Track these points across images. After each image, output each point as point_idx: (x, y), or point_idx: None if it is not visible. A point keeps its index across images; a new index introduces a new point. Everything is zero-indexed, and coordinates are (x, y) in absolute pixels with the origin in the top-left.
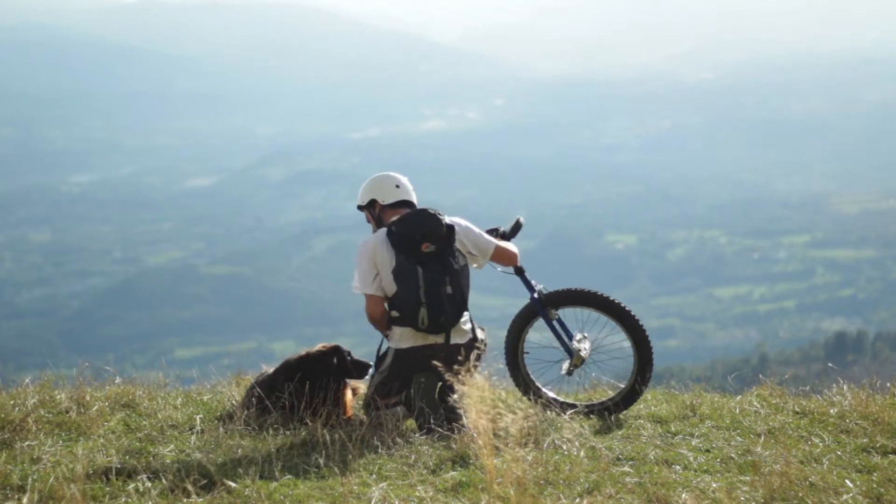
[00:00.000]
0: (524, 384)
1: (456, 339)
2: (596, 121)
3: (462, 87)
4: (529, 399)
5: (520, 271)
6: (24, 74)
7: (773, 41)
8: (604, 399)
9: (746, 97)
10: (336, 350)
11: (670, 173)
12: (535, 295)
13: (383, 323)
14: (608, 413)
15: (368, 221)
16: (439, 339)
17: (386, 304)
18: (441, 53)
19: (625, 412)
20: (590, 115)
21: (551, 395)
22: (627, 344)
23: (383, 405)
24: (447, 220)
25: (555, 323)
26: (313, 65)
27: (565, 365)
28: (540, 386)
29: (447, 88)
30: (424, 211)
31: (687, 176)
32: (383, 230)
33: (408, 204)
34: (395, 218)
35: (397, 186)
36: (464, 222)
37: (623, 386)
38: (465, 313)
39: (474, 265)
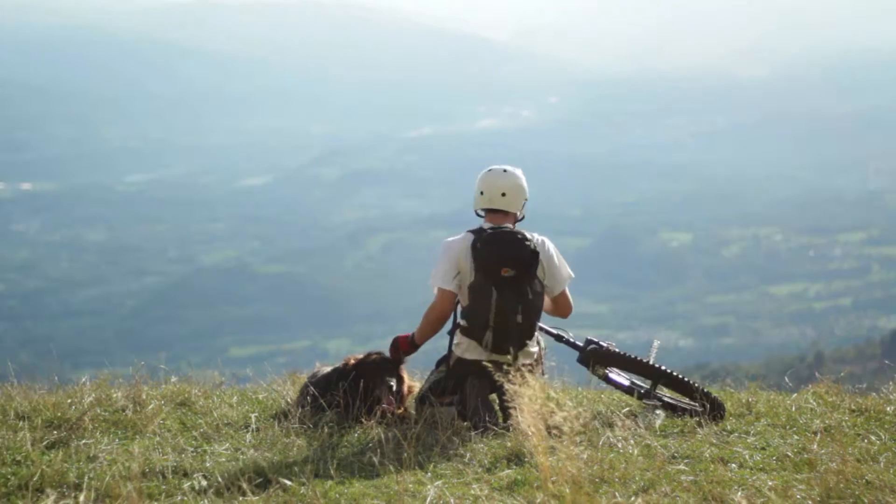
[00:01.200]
0: (629, 391)
1: (522, 361)
2: (651, 118)
3: (516, 86)
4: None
5: (559, 338)
6: (80, 74)
7: (828, 37)
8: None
9: (802, 94)
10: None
11: (725, 171)
12: (580, 354)
13: (442, 322)
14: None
15: None
16: (504, 359)
17: (457, 310)
18: (494, 51)
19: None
20: (644, 112)
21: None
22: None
23: (437, 403)
24: (536, 240)
25: (610, 376)
26: (367, 64)
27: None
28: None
29: (501, 87)
30: (513, 235)
31: (742, 173)
32: (471, 237)
33: (504, 214)
34: (487, 226)
35: (503, 195)
36: (551, 248)
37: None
38: (532, 341)
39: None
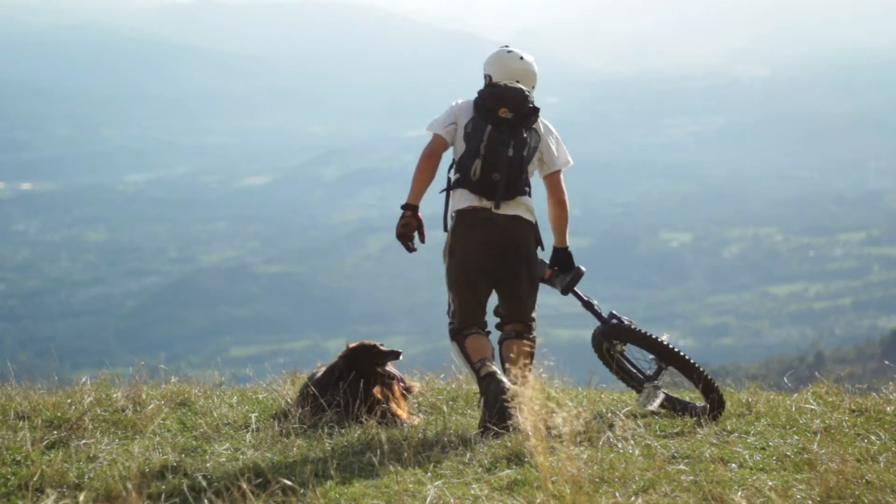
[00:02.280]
0: (632, 381)
1: (507, 210)
2: (650, 118)
3: None
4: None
5: (588, 305)
6: (80, 74)
7: (828, 37)
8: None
9: (801, 94)
10: (359, 347)
11: (725, 171)
12: (601, 325)
13: (431, 160)
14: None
15: None
16: (490, 205)
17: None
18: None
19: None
20: (644, 112)
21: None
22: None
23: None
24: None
25: (620, 356)
26: (367, 64)
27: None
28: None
29: None
30: (519, 89)
31: (742, 173)
32: (474, 97)
33: None
34: None
35: (517, 82)
36: (554, 130)
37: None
38: (524, 196)
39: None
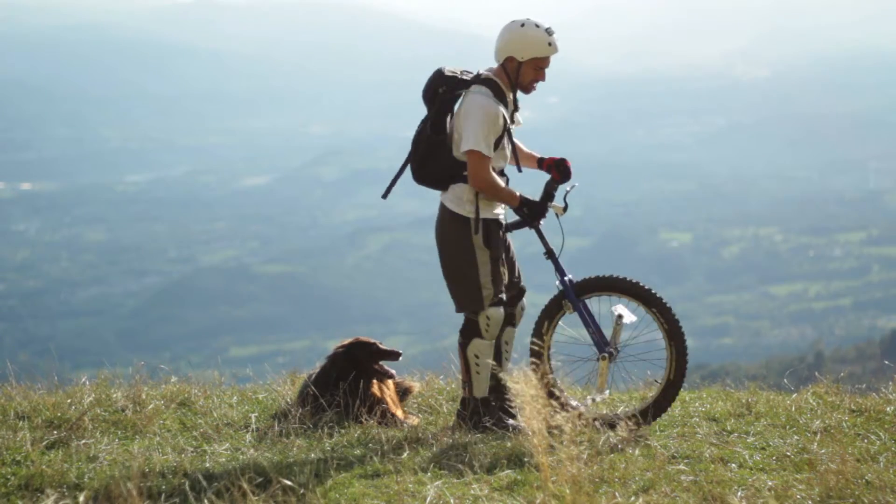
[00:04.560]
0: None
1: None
2: (650, 118)
3: None
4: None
5: (551, 254)
6: (80, 74)
7: (828, 37)
8: (632, 408)
9: (802, 94)
10: (357, 343)
11: (725, 171)
12: (566, 279)
13: (495, 183)
14: (639, 420)
15: (495, 77)
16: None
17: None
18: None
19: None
20: (644, 112)
21: (574, 403)
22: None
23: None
24: (470, 91)
25: (583, 310)
26: (367, 64)
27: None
28: (566, 396)
29: None
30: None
31: (742, 173)
32: (489, 93)
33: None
34: (534, 81)
35: (549, 45)
36: (470, 105)
37: (657, 384)
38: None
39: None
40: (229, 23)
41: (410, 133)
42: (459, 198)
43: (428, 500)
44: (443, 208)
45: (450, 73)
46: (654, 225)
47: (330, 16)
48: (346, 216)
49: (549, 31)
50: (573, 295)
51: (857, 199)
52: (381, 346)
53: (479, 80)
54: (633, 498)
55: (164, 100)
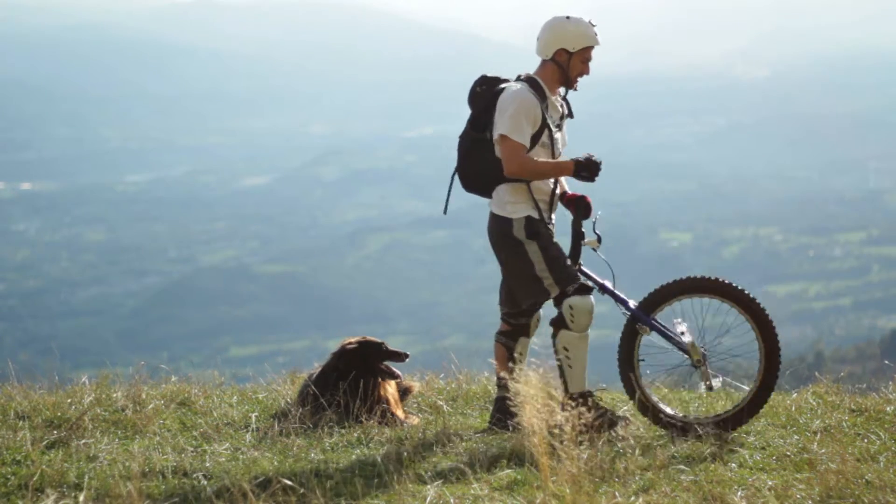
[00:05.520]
0: (647, 409)
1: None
2: (650, 118)
3: None
4: (659, 424)
5: (604, 288)
6: (80, 74)
7: (828, 37)
8: (727, 410)
9: (802, 94)
10: (367, 342)
11: (725, 171)
12: (633, 305)
13: (532, 164)
14: (732, 426)
15: (536, 76)
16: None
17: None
18: (494, 51)
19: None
20: (643, 112)
21: (670, 411)
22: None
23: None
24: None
25: (659, 326)
26: (367, 64)
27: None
28: (660, 404)
29: None
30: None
31: (742, 173)
32: (527, 87)
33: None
34: (580, 74)
35: (595, 35)
36: (506, 96)
37: (748, 389)
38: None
39: None
40: (229, 23)
41: (410, 133)
42: (501, 199)
43: (428, 500)
44: (490, 215)
45: (492, 77)
46: (654, 225)
47: (330, 16)
48: (346, 216)
49: (592, 24)
50: (645, 317)
51: (857, 199)
52: (389, 347)
53: (518, 79)
54: (633, 497)
55: (164, 100)
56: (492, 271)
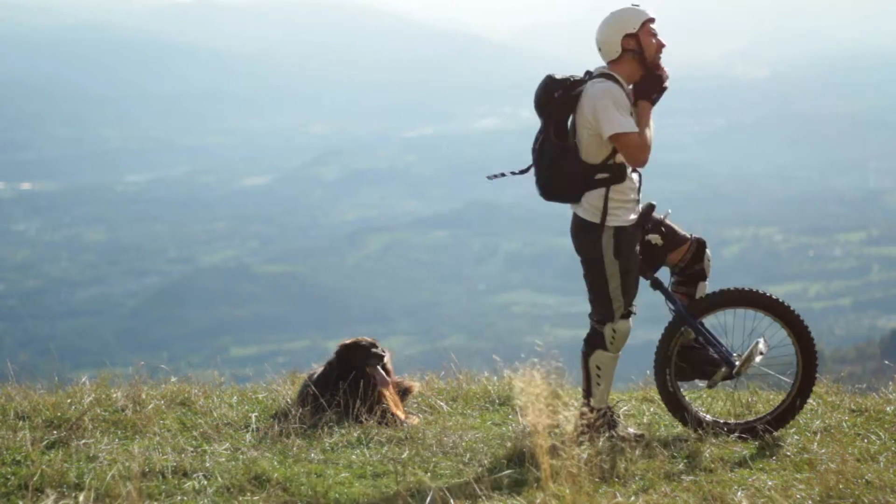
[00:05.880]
0: (679, 408)
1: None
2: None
3: (516, 85)
4: (687, 425)
5: (658, 284)
6: (80, 74)
7: (828, 37)
8: (762, 414)
9: (802, 94)
10: (355, 345)
11: (725, 171)
12: (679, 304)
13: (646, 141)
14: (768, 431)
15: (611, 72)
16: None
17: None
18: (494, 51)
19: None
20: None
21: (708, 417)
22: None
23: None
24: (589, 87)
25: (702, 330)
26: (367, 64)
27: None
28: (696, 408)
29: (501, 86)
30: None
31: (742, 173)
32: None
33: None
34: (658, 50)
35: (599, 50)
36: (594, 96)
37: (785, 395)
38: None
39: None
40: (229, 23)
41: (410, 133)
42: (591, 205)
43: (428, 500)
44: (574, 217)
45: (561, 77)
46: None
47: (330, 16)
48: (346, 216)
49: (635, 4)
50: (690, 319)
51: (857, 199)
52: (374, 349)
53: (593, 76)
54: (633, 497)
55: (164, 100)
56: (492, 271)
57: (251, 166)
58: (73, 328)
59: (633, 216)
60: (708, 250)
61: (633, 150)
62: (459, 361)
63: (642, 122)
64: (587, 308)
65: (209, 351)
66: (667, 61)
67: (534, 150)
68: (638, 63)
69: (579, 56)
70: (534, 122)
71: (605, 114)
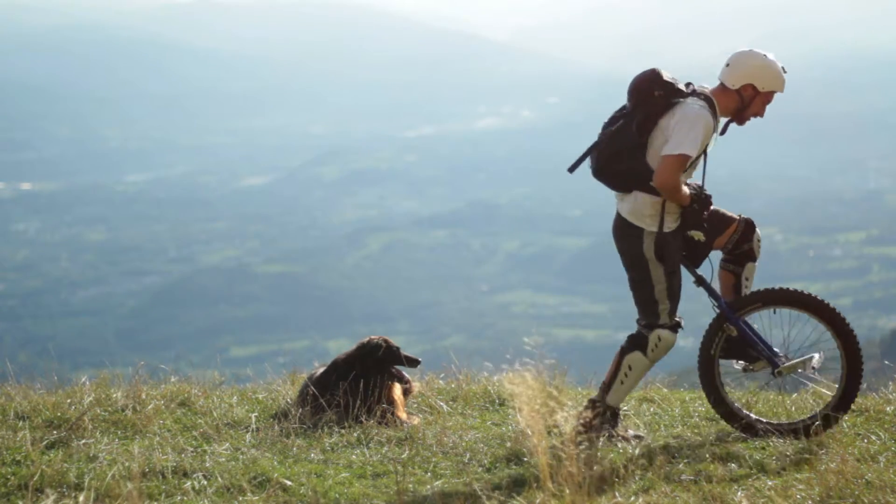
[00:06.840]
0: (726, 409)
1: (620, 207)
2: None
3: (515, 85)
4: (734, 427)
5: (701, 281)
6: (80, 74)
7: (828, 38)
8: (804, 417)
9: (801, 93)
10: (385, 343)
11: (724, 170)
12: (723, 302)
13: (680, 186)
14: (807, 433)
15: (713, 97)
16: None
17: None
18: (494, 51)
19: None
20: None
21: (753, 416)
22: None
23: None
24: (684, 100)
25: (744, 328)
26: (367, 64)
27: (758, 366)
28: (741, 408)
29: (501, 86)
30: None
31: (741, 173)
32: (707, 107)
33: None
34: (755, 115)
35: (727, 65)
36: (679, 114)
37: (832, 395)
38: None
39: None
40: (229, 23)
41: (410, 133)
42: (640, 210)
43: (428, 500)
44: (619, 217)
45: (668, 80)
46: None
47: (330, 16)
48: (346, 216)
49: (784, 70)
50: (733, 316)
51: (857, 199)
52: (403, 352)
53: (696, 93)
54: (632, 497)
55: (164, 100)
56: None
57: (251, 166)
58: (72, 328)
59: (676, 224)
60: (758, 230)
61: (669, 171)
62: (459, 361)
63: (684, 194)
64: (587, 308)
65: (209, 351)
66: (667, 61)
67: (605, 127)
68: (736, 108)
69: (579, 57)
70: (534, 122)
71: (683, 135)
